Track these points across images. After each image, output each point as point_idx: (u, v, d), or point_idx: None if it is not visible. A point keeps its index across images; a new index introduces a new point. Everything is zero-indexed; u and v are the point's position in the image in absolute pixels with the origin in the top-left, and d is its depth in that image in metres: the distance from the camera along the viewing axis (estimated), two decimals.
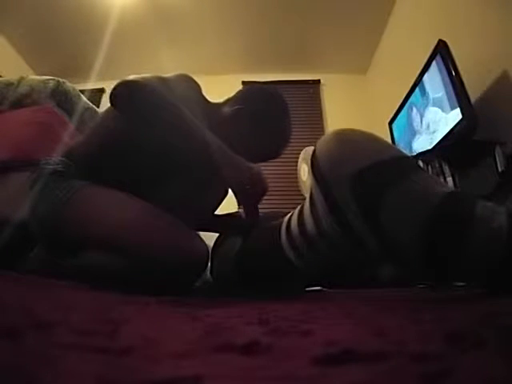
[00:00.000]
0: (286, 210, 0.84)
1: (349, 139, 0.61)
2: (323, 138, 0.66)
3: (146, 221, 0.76)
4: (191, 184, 0.86)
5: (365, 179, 0.56)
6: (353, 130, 0.63)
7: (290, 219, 0.74)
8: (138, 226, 0.74)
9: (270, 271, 0.77)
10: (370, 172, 0.57)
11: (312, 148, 0.86)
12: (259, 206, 0.83)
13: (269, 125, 0.94)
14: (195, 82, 0.95)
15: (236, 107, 0.93)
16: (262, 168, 1.04)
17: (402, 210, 0.54)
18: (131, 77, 0.78)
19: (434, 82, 1.68)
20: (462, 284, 0.81)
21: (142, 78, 0.79)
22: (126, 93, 0.76)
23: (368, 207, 0.56)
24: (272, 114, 0.94)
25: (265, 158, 0.99)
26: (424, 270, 0.60)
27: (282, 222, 0.76)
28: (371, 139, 0.62)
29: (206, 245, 0.80)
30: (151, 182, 0.83)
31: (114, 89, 0.76)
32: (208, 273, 0.90)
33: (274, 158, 1.00)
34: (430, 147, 1.67)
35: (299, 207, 0.74)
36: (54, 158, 0.86)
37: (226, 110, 0.95)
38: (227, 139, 0.82)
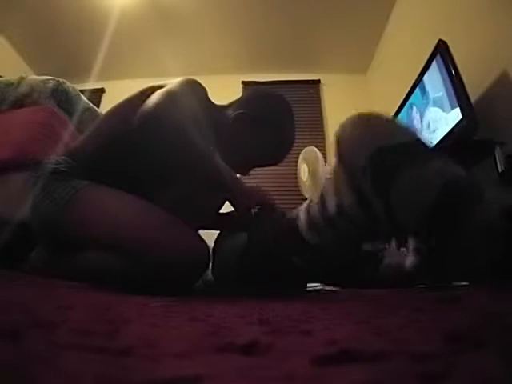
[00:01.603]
0: (286, 210, 0.84)
1: (371, 123, 0.67)
2: (348, 120, 0.70)
3: (147, 221, 0.76)
4: (194, 185, 0.86)
5: (380, 160, 0.62)
6: (376, 114, 0.69)
7: (308, 205, 0.79)
8: (138, 226, 0.74)
9: (273, 269, 0.77)
10: (384, 153, 0.61)
11: (312, 148, 0.87)
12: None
13: (271, 131, 0.92)
14: (201, 86, 0.93)
15: (238, 111, 0.93)
16: (262, 168, 1.04)
17: (409, 193, 0.59)
18: (151, 105, 0.75)
19: (434, 81, 1.68)
20: (461, 284, 0.82)
21: (157, 106, 0.75)
22: (149, 121, 0.75)
23: (381, 187, 0.62)
24: (275, 121, 0.93)
25: (266, 163, 0.98)
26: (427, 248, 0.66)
27: (298, 211, 0.81)
28: (392, 124, 0.69)
29: (206, 245, 0.80)
30: (153, 183, 0.83)
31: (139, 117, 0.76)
32: (209, 272, 0.90)
33: (276, 163, 0.99)
34: None
35: (318, 191, 0.78)
36: (57, 158, 0.85)
37: (230, 113, 0.94)
38: (229, 143, 0.82)
